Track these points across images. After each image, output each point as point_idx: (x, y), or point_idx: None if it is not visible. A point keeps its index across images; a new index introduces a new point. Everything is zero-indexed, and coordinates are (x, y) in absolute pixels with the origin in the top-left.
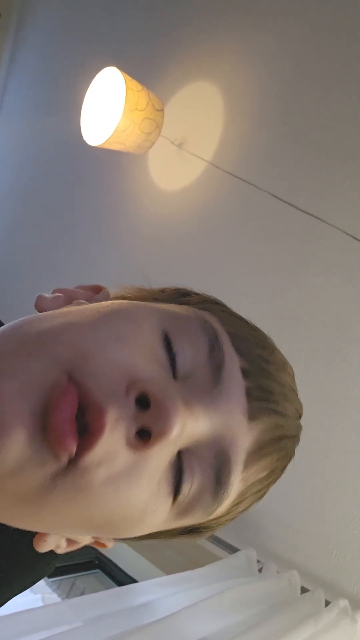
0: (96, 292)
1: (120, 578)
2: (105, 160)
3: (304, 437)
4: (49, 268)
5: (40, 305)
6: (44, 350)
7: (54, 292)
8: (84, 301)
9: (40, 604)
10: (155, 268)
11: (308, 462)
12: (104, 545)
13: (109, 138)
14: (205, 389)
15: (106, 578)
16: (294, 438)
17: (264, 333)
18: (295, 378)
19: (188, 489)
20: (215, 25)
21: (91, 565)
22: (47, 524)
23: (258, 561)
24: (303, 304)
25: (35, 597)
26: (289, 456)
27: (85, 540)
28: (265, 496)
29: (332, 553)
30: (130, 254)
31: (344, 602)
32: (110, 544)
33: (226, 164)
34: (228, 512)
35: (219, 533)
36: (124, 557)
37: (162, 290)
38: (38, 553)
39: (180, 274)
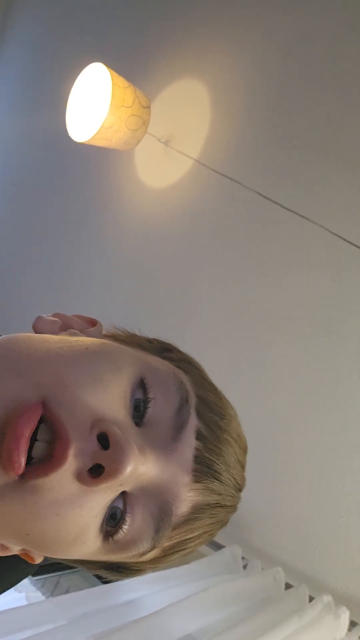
0: (91, 325)
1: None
2: (91, 156)
3: (290, 434)
4: (34, 264)
5: (38, 326)
6: (28, 372)
7: (53, 315)
8: (78, 332)
9: (24, 602)
10: (142, 264)
11: (293, 460)
12: (32, 559)
13: (95, 134)
14: (163, 442)
15: (91, 576)
16: (230, 508)
17: (227, 403)
18: (282, 375)
19: (126, 530)
20: (203, 23)
21: None
22: None
23: (243, 558)
24: (289, 302)
25: (19, 595)
26: (219, 523)
27: (15, 549)
28: (250, 493)
29: (315, 550)
30: (116, 250)
31: (327, 598)
32: (38, 560)
33: (213, 161)
34: (153, 559)
35: None
36: None
37: (150, 341)
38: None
39: (166, 270)
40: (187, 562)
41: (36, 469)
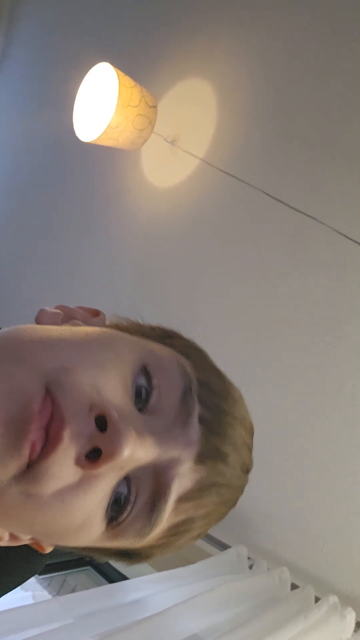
0: (94, 316)
1: (111, 575)
2: (98, 156)
3: (295, 434)
4: (39, 262)
5: (40, 318)
6: (30, 357)
7: (56, 307)
8: (80, 322)
9: (31, 601)
10: (146, 263)
11: (298, 460)
12: (42, 548)
13: (102, 134)
14: (165, 426)
15: (97, 575)
16: (237, 489)
17: (231, 385)
18: (287, 374)
19: (127, 513)
20: (209, 22)
21: (82, 562)
22: None
23: (248, 558)
24: (294, 301)
25: (26, 594)
26: (228, 504)
27: (26, 539)
28: (256, 493)
29: (321, 550)
30: (121, 249)
31: (333, 599)
32: (48, 549)
33: (219, 161)
34: (161, 542)
35: (210, 530)
36: None
37: (152, 328)
38: (28, 551)
39: (171, 269)
40: (192, 562)
41: (38, 455)
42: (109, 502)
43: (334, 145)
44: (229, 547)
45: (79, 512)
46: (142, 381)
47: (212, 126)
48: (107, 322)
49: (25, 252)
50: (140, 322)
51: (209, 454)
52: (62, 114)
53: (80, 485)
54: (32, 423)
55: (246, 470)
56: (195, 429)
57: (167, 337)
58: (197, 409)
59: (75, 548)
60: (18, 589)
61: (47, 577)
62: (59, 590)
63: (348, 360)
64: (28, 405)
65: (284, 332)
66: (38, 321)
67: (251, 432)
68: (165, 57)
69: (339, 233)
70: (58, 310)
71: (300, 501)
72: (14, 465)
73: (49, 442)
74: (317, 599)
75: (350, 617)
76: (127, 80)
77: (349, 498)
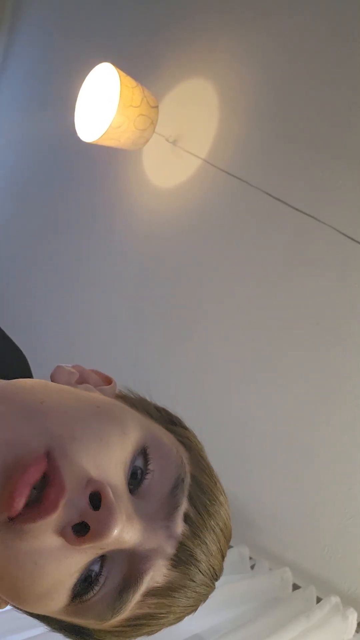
0: (106, 383)
1: None
2: (100, 156)
3: (296, 434)
4: (40, 264)
5: (56, 375)
6: (39, 419)
7: (73, 367)
8: (92, 387)
9: None
10: (148, 263)
11: (300, 460)
12: None
13: (104, 134)
14: (153, 516)
15: None
16: (202, 596)
17: (221, 488)
18: (289, 375)
19: (94, 593)
20: (211, 23)
21: None
22: None
23: (250, 558)
24: (296, 301)
25: None
26: (190, 608)
27: None
28: (258, 493)
29: (323, 550)
30: (123, 250)
31: (335, 599)
32: (3, 606)
33: (220, 161)
34: (117, 630)
35: None
36: None
37: (158, 409)
38: None
39: (173, 270)
40: None
41: (26, 513)
42: (79, 577)
43: (336, 145)
44: (231, 547)
45: (48, 578)
46: (140, 463)
47: (214, 126)
48: (117, 392)
49: (25, 253)
50: (148, 399)
51: (185, 556)
52: (63, 115)
53: (57, 552)
54: (22, 479)
55: (215, 578)
56: (178, 525)
57: (170, 422)
58: (184, 505)
59: (31, 614)
60: None
61: None
62: None
63: (350, 361)
64: (23, 460)
65: (285, 332)
66: (53, 378)
67: (229, 540)
68: (166, 57)
69: (340, 233)
70: (74, 370)
71: (302, 501)
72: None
73: (45, 505)
74: (319, 600)
75: (352, 618)
76: (129, 81)
77: (352, 498)
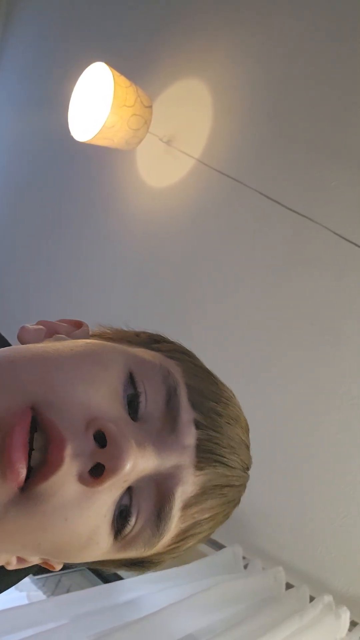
0: (77, 328)
1: (106, 575)
2: (93, 156)
3: (291, 434)
4: (36, 263)
5: (22, 336)
6: (13, 380)
7: (37, 323)
8: (64, 336)
9: (25, 601)
10: (144, 264)
11: (294, 460)
12: (52, 567)
13: (97, 134)
14: (160, 435)
15: (92, 575)
16: (239, 487)
17: (222, 386)
18: (285, 375)
19: (132, 525)
20: (206, 23)
21: None
22: None
23: (244, 558)
24: (291, 302)
25: (21, 594)
26: (232, 503)
27: (34, 560)
28: (251, 492)
29: (317, 550)
30: (118, 249)
31: (328, 598)
32: (58, 567)
33: (214, 161)
34: (171, 548)
35: None
36: None
37: (137, 334)
38: None
39: (168, 270)
40: (188, 562)
41: (34, 477)
42: (113, 516)
43: (330, 145)
44: (224, 546)
45: (84, 528)
46: (131, 390)
47: (208, 126)
48: (91, 332)
49: (20, 253)
50: (125, 328)
51: (209, 457)
52: (57, 114)
53: (82, 501)
54: (13, 441)
55: (246, 468)
56: (187, 434)
57: (153, 342)
58: (191, 415)
59: (85, 563)
60: (12, 589)
61: (42, 578)
62: (53, 591)
63: (347, 360)
64: (6, 422)
65: (283, 332)
66: (20, 339)
67: (247, 430)
68: (161, 57)
69: (336, 234)
70: (40, 326)
71: (296, 501)
72: (3, 492)
73: (50, 464)
74: (312, 599)
75: (345, 617)
76: (123, 80)
77: (345, 498)
